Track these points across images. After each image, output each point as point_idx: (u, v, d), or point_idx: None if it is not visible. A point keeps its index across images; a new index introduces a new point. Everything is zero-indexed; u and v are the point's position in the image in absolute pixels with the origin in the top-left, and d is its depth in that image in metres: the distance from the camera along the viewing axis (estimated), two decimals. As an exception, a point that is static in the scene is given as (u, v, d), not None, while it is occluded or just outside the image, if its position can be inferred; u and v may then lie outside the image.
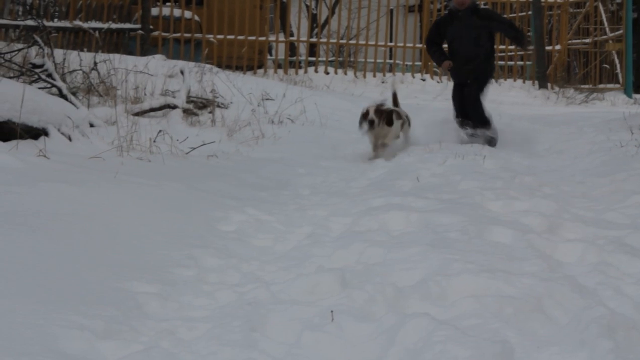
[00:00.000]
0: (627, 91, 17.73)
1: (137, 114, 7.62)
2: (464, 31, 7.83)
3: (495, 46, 8.75)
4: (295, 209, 4.89)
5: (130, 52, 13.18)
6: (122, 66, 9.22)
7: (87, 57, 9.07)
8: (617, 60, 18.76)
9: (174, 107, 8.18)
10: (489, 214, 4.37)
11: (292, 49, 17.90)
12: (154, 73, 9.59)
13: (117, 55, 10.16)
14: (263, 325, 2.79)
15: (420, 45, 16.72)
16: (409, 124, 7.75)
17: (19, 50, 7.99)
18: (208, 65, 11.23)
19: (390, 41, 18.43)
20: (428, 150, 6.96)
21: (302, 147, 7.62)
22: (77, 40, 12.87)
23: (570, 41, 18.48)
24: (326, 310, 2.84)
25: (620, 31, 18.31)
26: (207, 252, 3.72)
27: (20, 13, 13.01)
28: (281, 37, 17.80)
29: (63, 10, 13.34)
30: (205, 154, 6.43)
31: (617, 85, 18.28)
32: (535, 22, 16.64)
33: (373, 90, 14.32)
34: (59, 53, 8.57)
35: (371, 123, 7.13)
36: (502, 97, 14.37)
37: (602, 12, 19.10)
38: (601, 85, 18.32)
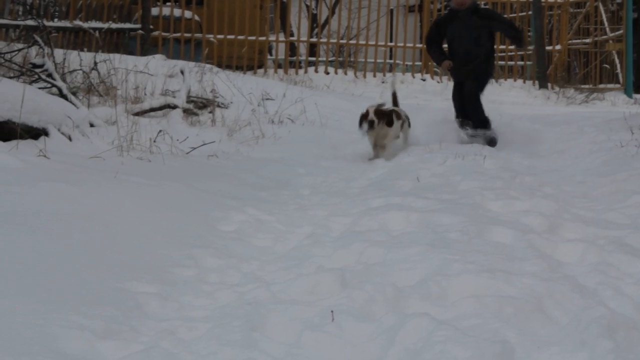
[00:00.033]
0: (628, 91, 17.73)
1: (137, 114, 7.62)
2: (464, 31, 7.82)
3: (495, 46, 8.75)
4: (296, 208, 4.89)
5: (131, 52, 13.18)
6: (122, 66, 9.22)
7: (87, 57, 9.06)
8: (617, 60, 18.75)
9: (174, 107, 8.18)
10: (489, 214, 4.37)
11: (292, 48, 17.90)
12: (154, 73, 9.59)
13: (117, 55, 10.16)
14: (263, 325, 2.79)
15: (421, 45, 16.72)
16: (409, 124, 7.75)
17: (19, 50, 7.99)
18: (208, 65, 11.23)
19: (391, 41, 18.42)
20: (428, 150, 6.96)
21: (302, 147, 7.62)
22: (78, 40, 12.87)
23: (570, 41, 18.48)
24: (326, 310, 2.84)
25: (621, 31, 18.31)
26: (207, 252, 3.72)
27: (20, 13, 13.01)
28: (281, 37, 17.80)
29: (63, 10, 13.34)
30: (205, 154, 6.43)
31: (618, 85, 18.28)
32: (535, 22, 16.65)
33: (373, 90, 14.32)
34: (59, 53, 8.57)
35: (371, 123, 7.14)
36: (502, 97, 14.38)
37: (603, 12, 19.10)
38: (601, 85, 18.32)
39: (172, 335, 2.73)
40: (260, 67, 16.41)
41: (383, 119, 7.19)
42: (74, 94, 7.31)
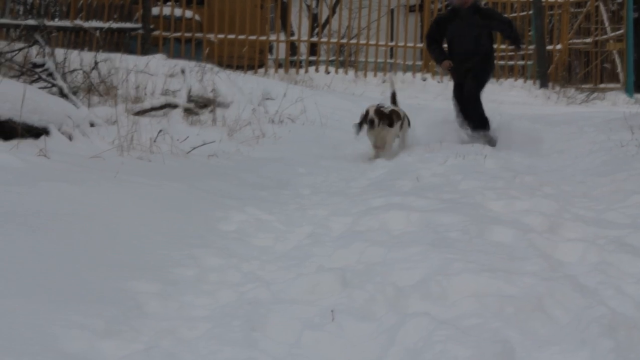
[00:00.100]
0: (628, 91, 17.71)
1: (137, 114, 7.62)
2: (465, 30, 7.81)
3: (495, 45, 8.74)
4: (296, 208, 4.89)
5: (131, 52, 13.16)
6: (123, 66, 9.21)
7: (87, 56, 9.06)
8: (617, 60, 18.74)
9: (175, 106, 8.18)
10: (489, 214, 4.36)
11: (292, 48, 17.90)
12: (155, 72, 9.58)
13: (117, 55, 10.15)
14: (263, 324, 2.79)
15: (421, 45, 16.71)
16: (409, 124, 7.76)
17: (20, 49, 8.00)
18: (209, 65, 11.22)
19: (391, 41, 18.42)
20: (429, 150, 6.96)
21: (302, 146, 7.62)
22: (78, 39, 12.86)
23: (571, 41, 18.46)
24: (326, 309, 2.84)
25: (621, 31, 18.29)
26: (208, 251, 3.71)
27: (21, 12, 13.01)
28: (282, 37, 17.80)
29: (64, 9, 13.35)
30: (205, 154, 6.43)
31: (618, 85, 18.25)
32: (536, 22, 16.64)
33: (374, 89, 14.32)
34: (59, 52, 8.56)
35: (371, 123, 7.14)
36: (502, 97, 14.38)
37: (603, 11, 19.08)
38: (602, 85, 18.31)
39: (172, 334, 2.73)
40: (260, 66, 16.41)
41: (384, 119, 7.19)
42: (74, 93, 7.31)
